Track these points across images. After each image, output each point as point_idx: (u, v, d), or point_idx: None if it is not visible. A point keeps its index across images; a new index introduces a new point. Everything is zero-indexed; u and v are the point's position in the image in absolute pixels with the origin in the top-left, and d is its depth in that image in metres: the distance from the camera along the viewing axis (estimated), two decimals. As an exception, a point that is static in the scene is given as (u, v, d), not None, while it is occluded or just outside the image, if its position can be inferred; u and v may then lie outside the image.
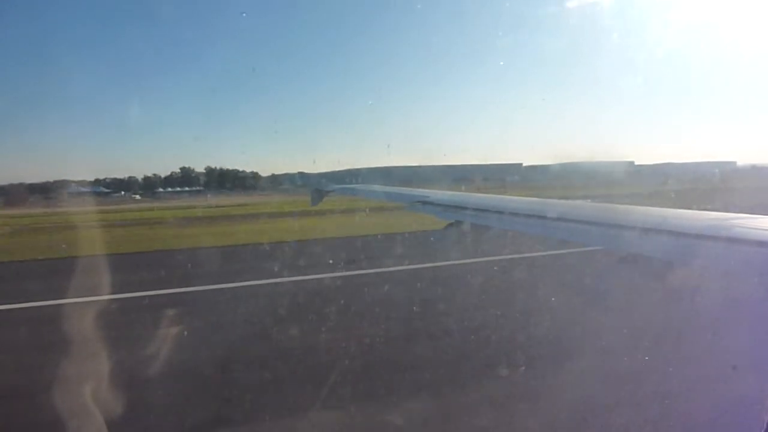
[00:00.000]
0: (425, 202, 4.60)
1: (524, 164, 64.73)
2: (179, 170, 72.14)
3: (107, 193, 58.96)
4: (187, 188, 68.95)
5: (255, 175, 72.46)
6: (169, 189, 68.90)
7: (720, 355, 4.55)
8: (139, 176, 73.92)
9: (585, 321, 6.07)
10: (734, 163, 59.33)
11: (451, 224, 3.88)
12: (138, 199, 52.93)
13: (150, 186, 71.22)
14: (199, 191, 65.25)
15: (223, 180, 69.94)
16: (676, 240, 2.37)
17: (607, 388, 4.60)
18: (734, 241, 2.11)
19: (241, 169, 73.12)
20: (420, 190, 5.58)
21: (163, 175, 73.85)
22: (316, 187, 7.80)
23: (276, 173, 75.63)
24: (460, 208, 4.14)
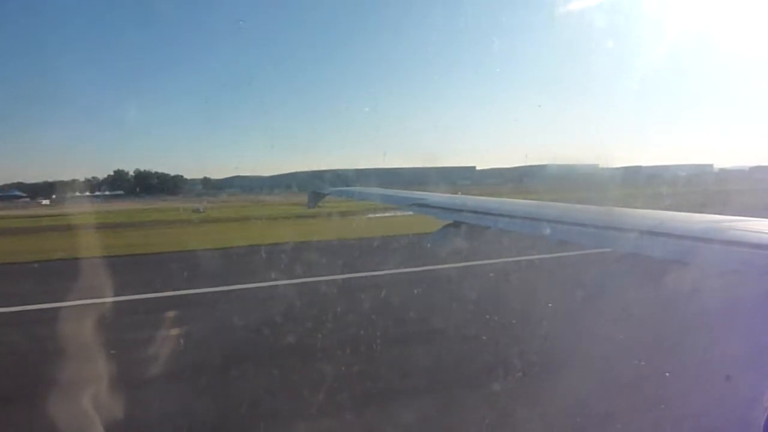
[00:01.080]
0: (422, 205, 4.64)
1: (477, 167, 64.15)
2: (113, 173, 67.60)
3: (19, 197, 55.21)
4: (107, 192, 64.72)
5: (180, 179, 68.72)
6: (88, 194, 62.88)
7: (722, 354, 4.78)
8: (82, 178, 70.82)
9: (593, 320, 6.17)
10: (711, 165, 59.97)
11: (448, 225, 3.92)
12: (45, 204, 50.79)
13: (90, 189, 67.86)
14: (117, 195, 61.33)
15: (148, 183, 66.39)
16: (672, 242, 2.39)
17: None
18: (731, 243, 2.14)
19: (167, 173, 69.06)
20: (417, 192, 5.64)
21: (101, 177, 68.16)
22: (313, 189, 7.81)
23: (210, 177, 70.85)
24: (457, 210, 4.17)
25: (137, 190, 65.03)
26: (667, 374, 4.90)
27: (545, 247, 9.46)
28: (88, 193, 65.40)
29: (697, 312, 4.92)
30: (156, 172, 68.39)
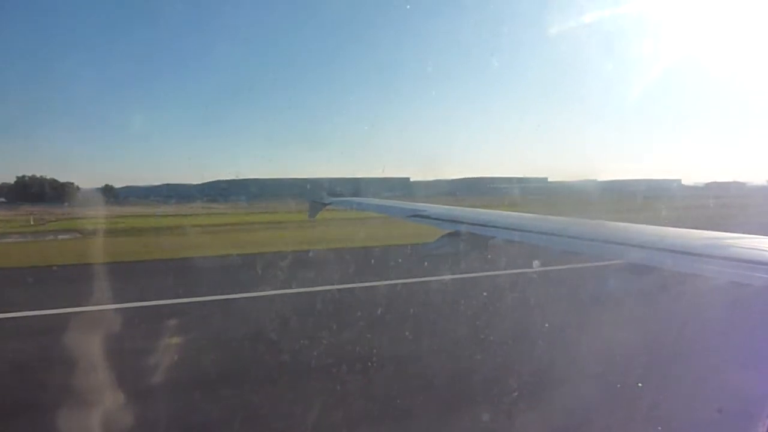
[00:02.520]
0: (422, 216, 4.74)
1: (411, 179, 63.19)
2: (17, 179, 59.81)
3: None
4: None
5: (71, 186, 57.91)
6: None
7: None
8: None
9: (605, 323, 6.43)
10: (679, 180, 61.29)
11: (446, 235, 3.98)
12: None
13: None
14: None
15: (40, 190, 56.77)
16: (669, 256, 2.41)
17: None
18: (730, 259, 2.16)
19: (58, 179, 60.21)
20: (415, 204, 5.77)
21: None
22: (313, 199, 7.82)
23: (114, 185, 62.99)
24: (456, 221, 4.25)
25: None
26: (670, 377, 5.04)
27: (545, 258, 9.61)
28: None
29: (701, 321, 5.07)
30: (50, 179, 59.49)
